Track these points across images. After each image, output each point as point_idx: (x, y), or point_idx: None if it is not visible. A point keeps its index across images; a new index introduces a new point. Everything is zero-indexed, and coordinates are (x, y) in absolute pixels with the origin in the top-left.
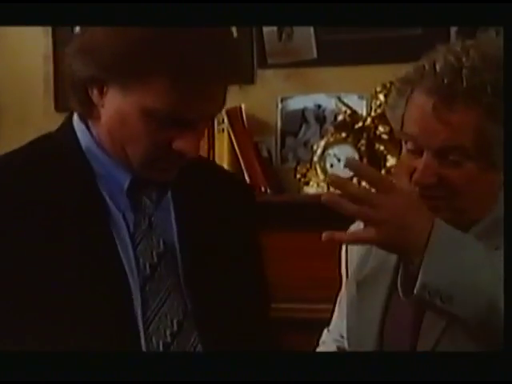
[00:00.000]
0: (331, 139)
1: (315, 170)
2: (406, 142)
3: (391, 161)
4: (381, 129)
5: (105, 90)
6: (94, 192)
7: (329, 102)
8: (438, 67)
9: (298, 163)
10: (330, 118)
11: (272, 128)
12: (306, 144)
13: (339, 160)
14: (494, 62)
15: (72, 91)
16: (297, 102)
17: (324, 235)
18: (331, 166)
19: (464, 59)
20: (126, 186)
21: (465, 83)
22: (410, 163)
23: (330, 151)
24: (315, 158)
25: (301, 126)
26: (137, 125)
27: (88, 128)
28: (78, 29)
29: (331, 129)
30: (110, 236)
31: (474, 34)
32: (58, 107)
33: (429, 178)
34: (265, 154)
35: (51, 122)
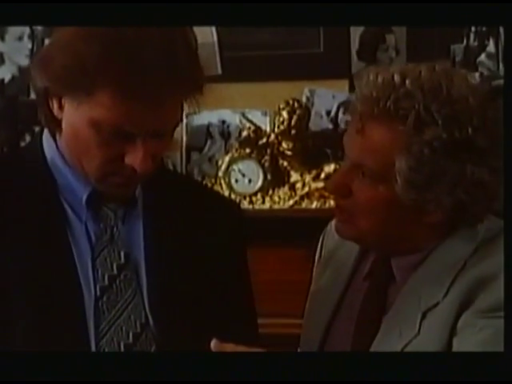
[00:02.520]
0: (236, 155)
1: (220, 185)
2: None
3: (294, 176)
4: (284, 145)
5: (62, 102)
6: (54, 201)
7: (233, 118)
8: (379, 79)
9: (203, 178)
10: (234, 134)
11: (177, 143)
12: (210, 159)
13: (244, 175)
14: (436, 93)
15: (37, 104)
16: (202, 118)
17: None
18: (236, 181)
19: (408, 81)
20: (84, 197)
21: (389, 103)
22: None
23: (235, 166)
24: (220, 173)
25: (206, 142)
26: (88, 138)
27: (55, 140)
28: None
29: (236, 144)
30: (67, 244)
31: (375, 57)
32: None
33: (338, 186)
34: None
35: None
